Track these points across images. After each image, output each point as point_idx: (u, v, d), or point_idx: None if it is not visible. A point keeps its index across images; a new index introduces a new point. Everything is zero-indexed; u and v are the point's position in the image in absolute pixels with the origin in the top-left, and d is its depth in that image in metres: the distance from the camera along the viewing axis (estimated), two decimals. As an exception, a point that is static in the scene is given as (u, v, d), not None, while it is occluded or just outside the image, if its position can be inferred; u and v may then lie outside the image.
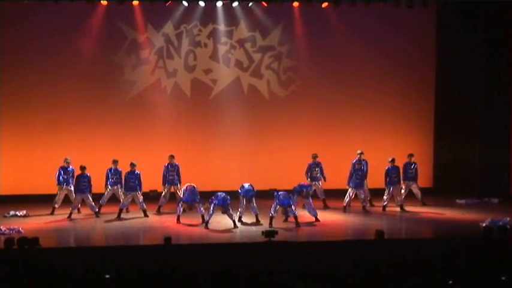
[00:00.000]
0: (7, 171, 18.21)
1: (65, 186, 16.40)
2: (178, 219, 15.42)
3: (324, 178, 17.39)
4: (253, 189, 15.52)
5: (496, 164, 18.89)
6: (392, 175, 17.24)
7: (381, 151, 18.42)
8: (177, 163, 16.97)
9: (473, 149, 19.26)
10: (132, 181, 16.21)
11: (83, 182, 16.13)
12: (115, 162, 16.56)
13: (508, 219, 14.92)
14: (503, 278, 9.48)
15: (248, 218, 15.48)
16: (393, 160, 17.35)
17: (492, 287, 9.28)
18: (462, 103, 19.43)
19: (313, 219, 15.49)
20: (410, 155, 17.67)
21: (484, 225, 14.41)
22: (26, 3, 17.62)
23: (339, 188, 17.50)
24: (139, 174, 16.31)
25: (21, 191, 17.99)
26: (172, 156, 16.95)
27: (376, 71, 19.43)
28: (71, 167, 16.45)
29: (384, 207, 17.15)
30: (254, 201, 15.47)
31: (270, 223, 14.84)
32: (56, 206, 16.39)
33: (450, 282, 9.23)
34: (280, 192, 15.22)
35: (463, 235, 13.99)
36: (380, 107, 19.57)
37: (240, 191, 15.57)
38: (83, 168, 16.23)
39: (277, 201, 15.06)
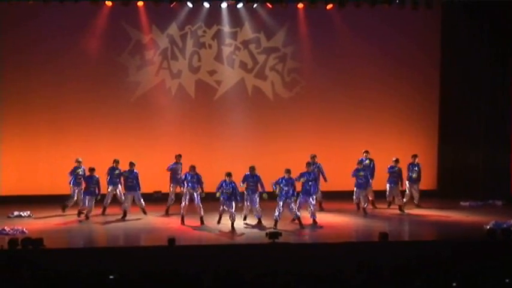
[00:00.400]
0: (11, 171, 18.21)
1: (78, 187, 16.37)
2: (182, 220, 15.42)
3: (325, 178, 17.12)
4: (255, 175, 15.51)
5: (500, 166, 18.86)
6: (393, 174, 17.29)
7: (385, 153, 18.35)
8: (180, 162, 16.98)
9: (477, 151, 19.20)
10: (130, 181, 16.17)
11: (92, 185, 16.09)
12: (116, 161, 16.51)
13: (512, 221, 14.95)
14: (507, 281, 9.47)
15: (253, 219, 15.48)
16: (397, 160, 17.33)
17: (496, 289, 9.29)
18: (467, 104, 19.39)
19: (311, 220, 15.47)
20: (415, 156, 17.68)
21: (488, 227, 14.41)
22: (30, 4, 17.58)
23: (345, 190, 17.52)
24: (137, 174, 16.25)
25: (24, 191, 17.97)
26: (179, 156, 16.95)
27: (380, 72, 19.39)
28: (82, 167, 16.44)
29: (389, 203, 17.42)
30: (258, 202, 15.42)
31: (275, 225, 14.83)
32: (68, 205, 16.40)
33: (454, 284, 9.23)
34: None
35: (467, 237, 14.01)
36: (384, 108, 19.54)
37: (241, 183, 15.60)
38: (91, 170, 16.17)
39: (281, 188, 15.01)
